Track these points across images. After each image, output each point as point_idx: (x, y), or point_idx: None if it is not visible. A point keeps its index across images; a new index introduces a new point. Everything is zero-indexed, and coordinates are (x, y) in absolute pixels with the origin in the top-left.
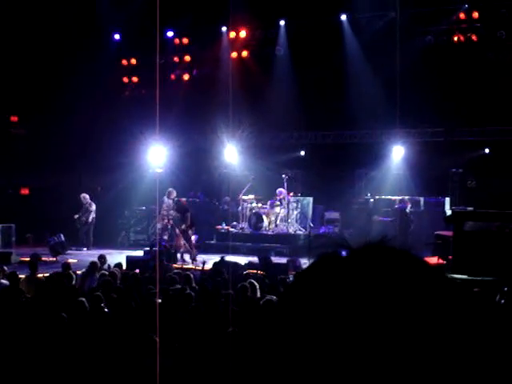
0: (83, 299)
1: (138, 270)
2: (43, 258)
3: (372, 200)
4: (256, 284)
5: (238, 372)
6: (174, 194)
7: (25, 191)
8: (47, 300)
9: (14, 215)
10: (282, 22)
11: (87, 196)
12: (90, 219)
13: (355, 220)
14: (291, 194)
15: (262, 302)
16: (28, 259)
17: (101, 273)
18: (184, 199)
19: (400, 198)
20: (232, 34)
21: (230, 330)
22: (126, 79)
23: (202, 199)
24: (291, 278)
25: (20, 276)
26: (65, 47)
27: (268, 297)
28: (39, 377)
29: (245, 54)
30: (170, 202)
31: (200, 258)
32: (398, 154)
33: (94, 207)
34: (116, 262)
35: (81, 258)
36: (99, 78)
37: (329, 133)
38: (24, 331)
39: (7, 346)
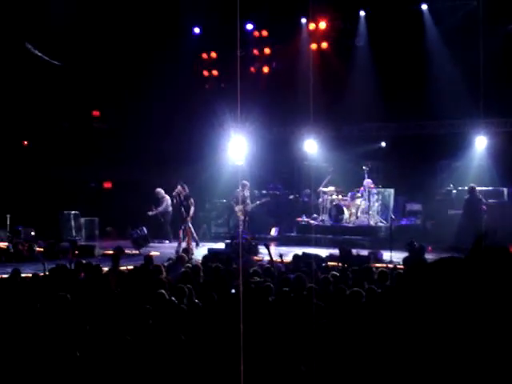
0: (163, 291)
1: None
2: (126, 251)
3: (454, 191)
4: (338, 276)
5: (323, 365)
6: (248, 186)
7: (107, 185)
8: (131, 292)
9: (97, 209)
10: (362, 13)
11: (161, 190)
12: (161, 211)
13: (437, 212)
14: (372, 185)
15: (348, 293)
16: (111, 252)
17: (186, 265)
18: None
19: (468, 187)
20: (311, 26)
21: (323, 321)
22: (206, 73)
23: (281, 192)
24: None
25: (104, 269)
26: (145, 42)
27: (354, 289)
28: (124, 367)
29: (324, 45)
30: (245, 194)
31: (279, 250)
32: (480, 144)
33: (166, 202)
34: (198, 254)
35: (163, 250)
36: (180, 72)
37: (410, 123)
38: (109, 323)
39: (93, 337)
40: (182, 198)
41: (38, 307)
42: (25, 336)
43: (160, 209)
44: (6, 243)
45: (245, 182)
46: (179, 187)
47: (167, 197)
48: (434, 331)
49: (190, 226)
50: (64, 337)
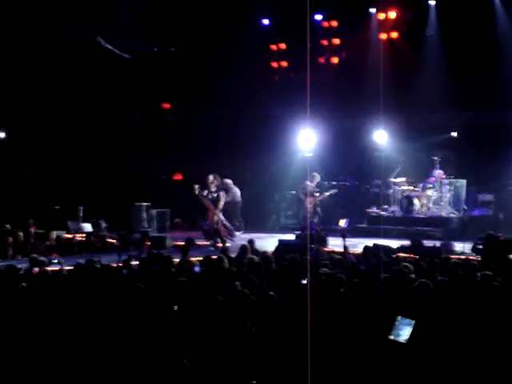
0: (237, 283)
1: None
2: (197, 242)
3: None
4: (411, 268)
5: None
6: (318, 178)
7: (178, 177)
8: (202, 283)
9: (167, 201)
10: (432, 2)
11: (229, 180)
12: (229, 201)
13: (510, 202)
14: (444, 176)
15: (416, 285)
16: (182, 243)
17: (248, 256)
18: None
19: None
20: (381, 16)
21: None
22: (275, 64)
23: (351, 183)
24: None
25: (174, 260)
26: (214, 34)
27: (422, 280)
28: (199, 356)
29: (394, 35)
30: (313, 185)
31: (349, 241)
32: None
33: (234, 192)
34: (267, 245)
35: (233, 241)
36: (249, 63)
37: (481, 112)
38: (179, 314)
39: (162, 328)
40: (214, 189)
41: (112, 297)
42: (102, 325)
43: (228, 199)
44: (84, 235)
45: (315, 173)
46: (211, 177)
47: (235, 188)
48: None
49: (222, 217)
50: (141, 326)
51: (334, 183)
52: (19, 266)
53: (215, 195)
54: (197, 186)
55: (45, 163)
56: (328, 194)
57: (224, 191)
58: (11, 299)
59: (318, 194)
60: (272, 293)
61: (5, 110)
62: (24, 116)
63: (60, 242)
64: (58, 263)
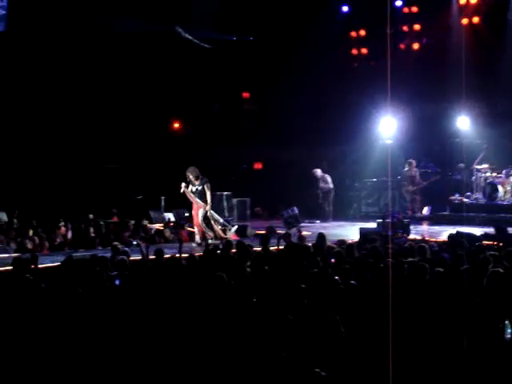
0: (316, 270)
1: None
2: (278, 231)
3: None
4: (496, 256)
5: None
6: (414, 165)
7: (258, 166)
8: (281, 272)
9: (248, 189)
10: None
11: (319, 170)
12: (325, 192)
13: None
14: None
15: (489, 273)
16: (263, 232)
17: (327, 246)
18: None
19: None
20: (462, 0)
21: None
22: (355, 51)
23: (433, 170)
24: None
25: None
26: (294, 22)
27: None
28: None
29: (476, 19)
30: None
31: (432, 229)
32: None
33: (327, 180)
34: (348, 234)
35: (314, 230)
36: (328, 51)
37: None
38: (256, 303)
39: (241, 316)
40: (198, 182)
41: (194, 287)
42: (185, 315)
43: (327, 185)
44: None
45: (411, 160)
46: (190, 175)
47: (326, 175)
48: None
49: (212, 213)
50: (225, 314)
51: (426, 171)
52: (102, 255)
53: (200, 188)
54: (183, 185)
55: (127, 154)
56: (428, 181)
57: (208, 183)
58: (95, 288)
59: (419, 181)
60: (353, 281)
61: (85, 100)
62: (104, 106)
63: (143, 231)
64: (137, 246)
